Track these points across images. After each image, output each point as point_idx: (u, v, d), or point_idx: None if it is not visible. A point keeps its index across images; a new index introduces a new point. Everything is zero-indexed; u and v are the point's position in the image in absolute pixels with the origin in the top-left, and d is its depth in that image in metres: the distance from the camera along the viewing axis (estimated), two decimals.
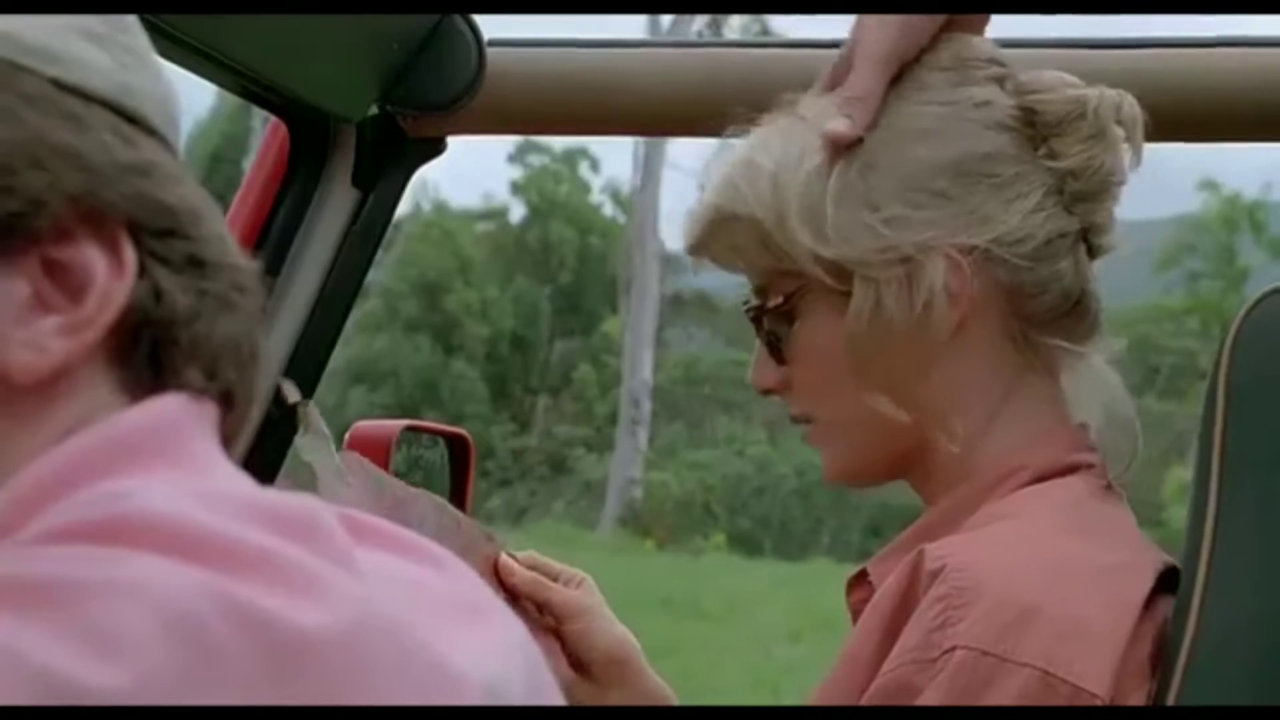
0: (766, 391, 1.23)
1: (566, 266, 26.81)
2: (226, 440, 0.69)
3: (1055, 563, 1.08)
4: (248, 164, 1.55)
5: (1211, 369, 1.10)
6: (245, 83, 1.36)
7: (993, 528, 1.11)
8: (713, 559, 16.17)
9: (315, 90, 1.40)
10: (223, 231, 0.69)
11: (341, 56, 1.38)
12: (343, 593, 0.58)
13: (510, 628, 0.68)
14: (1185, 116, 1.30)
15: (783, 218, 1.14)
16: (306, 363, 1.52)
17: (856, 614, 1.20)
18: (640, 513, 18.91)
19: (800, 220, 1.13)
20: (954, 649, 1.02)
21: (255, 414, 0.71)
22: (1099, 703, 1.01)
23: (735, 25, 21.15)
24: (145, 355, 0.66)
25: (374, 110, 1.47)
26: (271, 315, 1.49)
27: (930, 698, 1.01)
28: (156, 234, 0.66)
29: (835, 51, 1.21)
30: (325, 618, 0.56)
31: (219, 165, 20.66)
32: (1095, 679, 1.02)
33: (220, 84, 1.35)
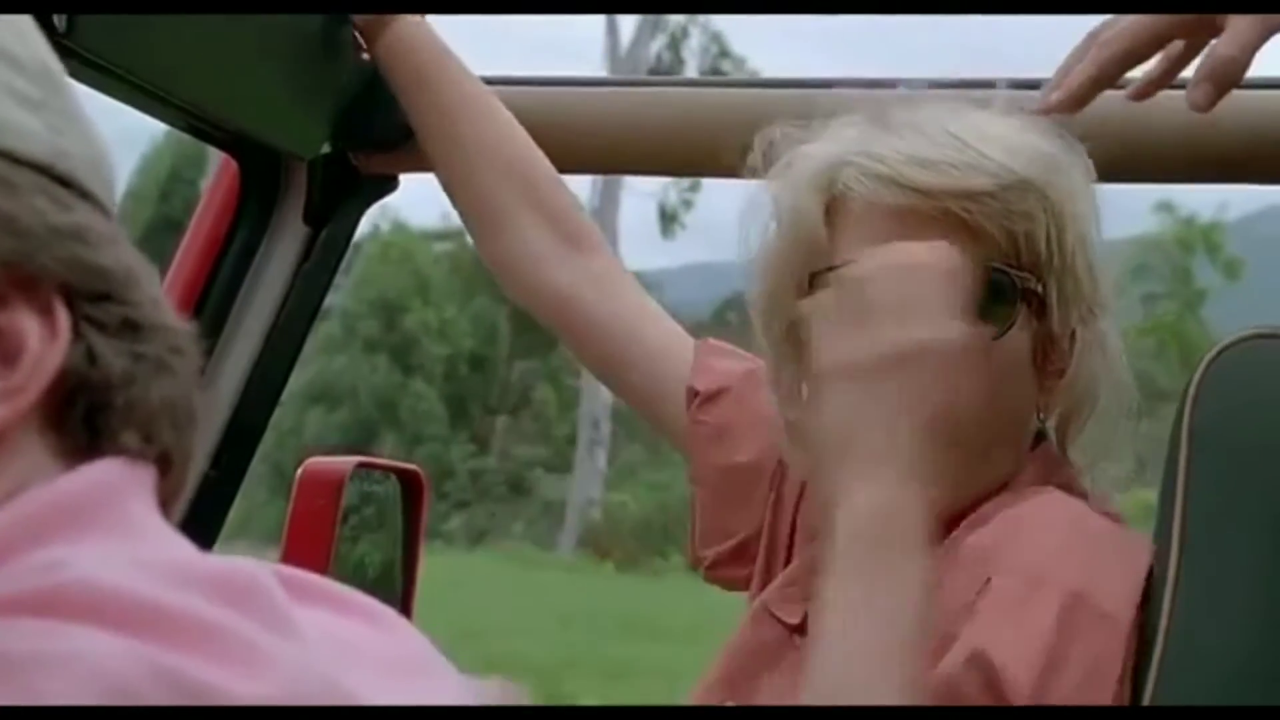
0: None
1: None
2: (165, 502, 0.68)
3: (1075, 518, 1.10)
4: (204, 184, 1.53)
5: (1175, 416, 1.10)
6: (194, 120, 1.35)
7: (1005, 515, 1.11)
8: (673, 580, 16.13)
9: (266, 128, 1.39)
10: (157, 294, 0.68)
11: (292, 95, 1.37)
12: (280, 660, 0.57)
13: (456, 686, 0.68)
14: (1130, 159, 1.31)
15: None
16: (259, 399, 1.51)
17: None
18: (600, 534, 18.91)
19: None
20: (989, 580, 1.03)
21: (193, 474, 0.70)
22: (1123, 630, 1.03)
23: (695, 47, 21.25)
24: (81, 419, 0.65)
25: (326, 148, 1.46)
26: (223, 352, 1.48)
27: (971, 628, 1.01)
28: (91, 298, 0.65)
29: (802, 91, 1.20)
30: (263, 688, 0.56)
31: (176, 185, 20.57)
32: (1123, 608, 1.05)
33: (168, 122, 1.34)
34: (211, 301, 1.46)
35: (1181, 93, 1.12)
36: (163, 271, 1.48)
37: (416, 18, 1.39)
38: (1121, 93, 1.21)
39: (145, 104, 1.27)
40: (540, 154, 1.40)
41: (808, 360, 1.13)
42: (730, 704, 1.20)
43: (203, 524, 1.43)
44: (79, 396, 0.65)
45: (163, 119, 1.32)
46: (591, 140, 1.45)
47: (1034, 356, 1.14)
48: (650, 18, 20.07)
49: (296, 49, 1.34)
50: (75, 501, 0.63)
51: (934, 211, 1.10)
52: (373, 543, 1.61)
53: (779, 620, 1.23)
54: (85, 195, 0.67)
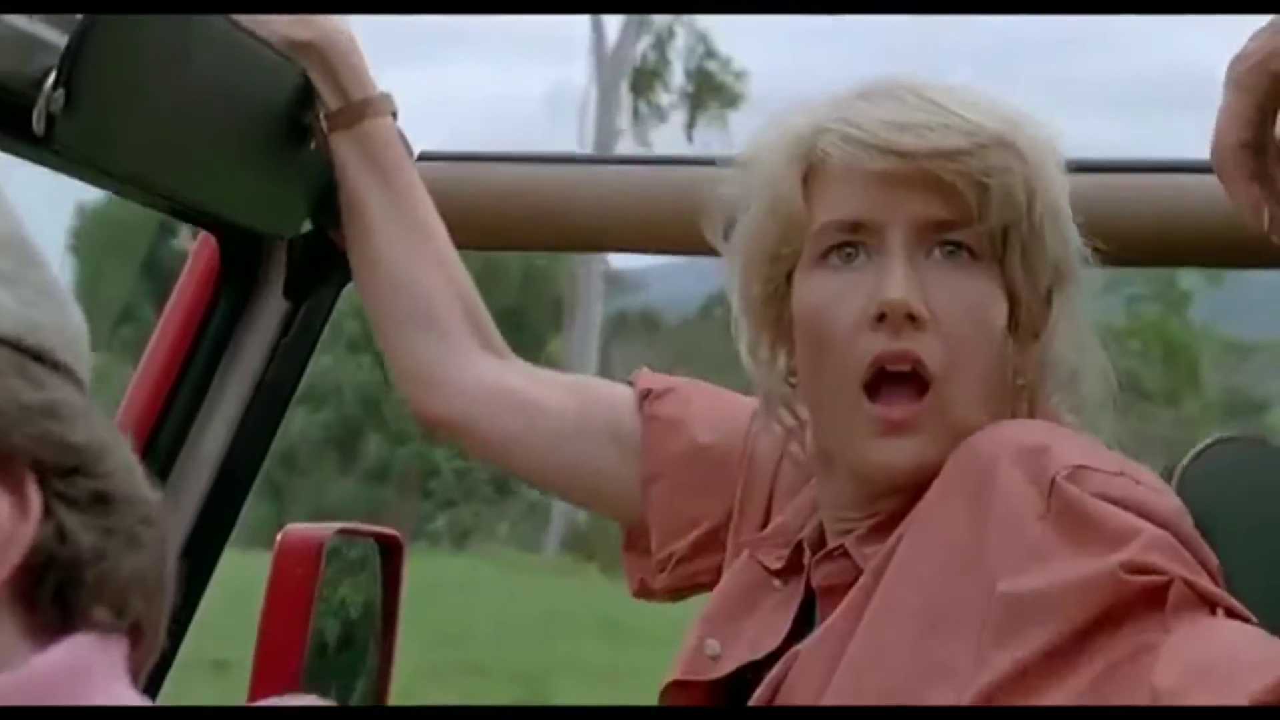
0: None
1: (510, 286, 26.74)
2: (136, 671, 0.69)
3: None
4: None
5: None
6: (175, 205, 1.36)
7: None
8: None
9: (246, 212, 1.40)
10: (130, 461, 0.69)
11: (271, 178, 1.38)
12: None
13: None
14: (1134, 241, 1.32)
15: None
16: (238, 474, 1.51)
17: (827, 591, 1.18)
18: (584, 536, 18.87)
19: None
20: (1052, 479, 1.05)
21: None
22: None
23: (681, 47, 21.19)
24: (51, 596, 0.66)
25: (306, 226, 1.47)
26: (202, 425, 1.49)
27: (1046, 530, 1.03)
28: (62, 474, 0.66)
29: None
30: None
31: None
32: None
33: (149, 206, 1.35)
34: (192, 375, 1.46)
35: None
36: (142, 344, 1.49)
37: (387, 117, 1.40)
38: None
39: (126, 191, 1.28)
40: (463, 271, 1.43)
41: (785, 327, 1.18)
42: (713, 641, 1.22)
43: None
44: (49, 573, 0.65)
45: (143, 204, 1.33)
46: (565, 215, 1.46)
47: (1009, 317, 1.16)
48: (636, 17, 20.06)
49: (272, 134, 1.35)
50: (46, 683, 0.64)
51: (912, 173, 1.13)
52: (351, 610, 1.61)
53: (761, 564, 1.24)
54: (58, 368, 0.68)
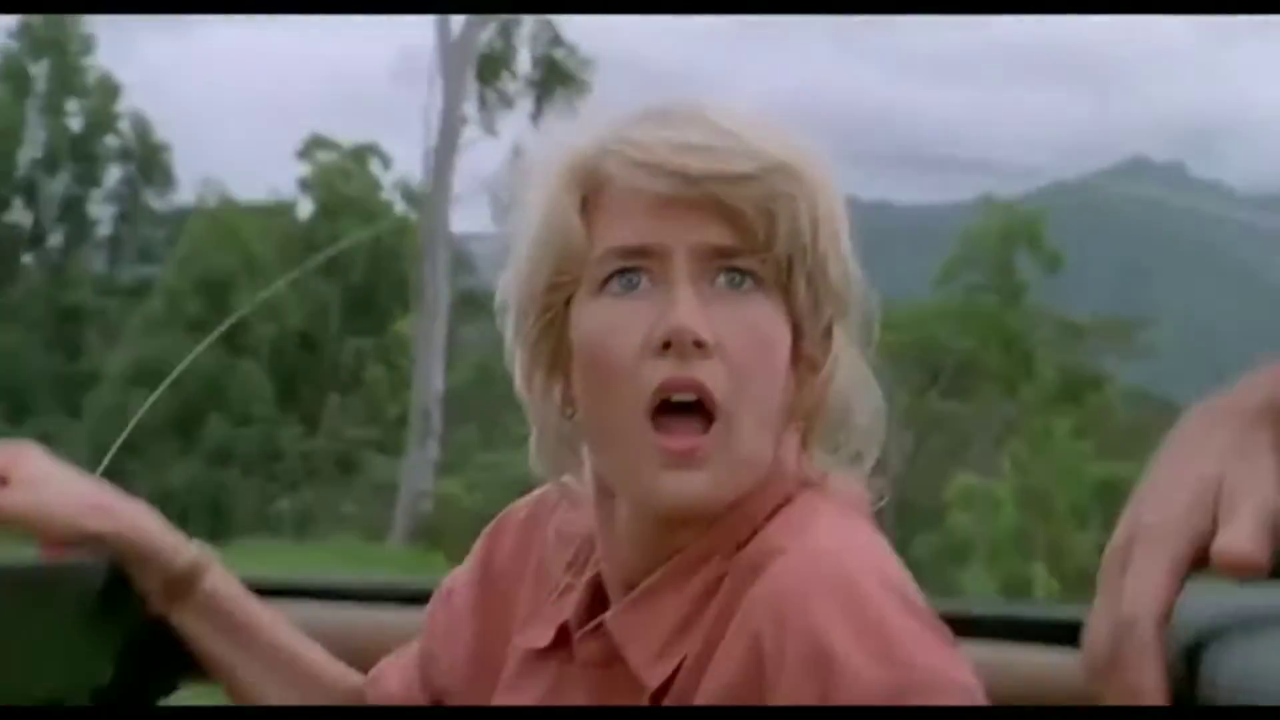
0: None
1: (357, 264, 26.50)
2: None
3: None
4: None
5: None
6: None
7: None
8: None
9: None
10: None
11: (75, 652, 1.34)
12: None
13: None
14: None
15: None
16: None
17: (590, 667, 1.16)
18: (431, 526, 18.81)
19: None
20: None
21: None
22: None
23: (525, 34, 21.05)
24: None
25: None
26: None
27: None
28: None
29: None
30: None
31: None
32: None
33: None
34: None
35: None
36: None
37: (215, 569, 1.36)
38: None
39: None
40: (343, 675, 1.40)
41: (562, 357, 1.14)
42: None
43: None
44: None
45: None
46: None
47: (791, 349, 1.14)
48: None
49: (80, 606, 1.31)
50: None
51: (697, 197, 1.10)
52: None
53: (532, 650, 1.22)
54: None
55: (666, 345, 1.09)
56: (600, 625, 1.15)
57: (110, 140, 30.75)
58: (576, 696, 1.18)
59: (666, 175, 1.10)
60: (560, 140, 1.15)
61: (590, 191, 1.13)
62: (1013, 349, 22.17)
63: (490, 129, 20.98)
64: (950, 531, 23.18)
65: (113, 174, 31.40)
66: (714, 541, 1.12)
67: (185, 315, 25.24)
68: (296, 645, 1.38)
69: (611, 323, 1.11)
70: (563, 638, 1.20)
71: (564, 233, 1.13)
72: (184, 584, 1.34)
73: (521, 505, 1.31)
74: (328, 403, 25.49)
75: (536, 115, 20.88)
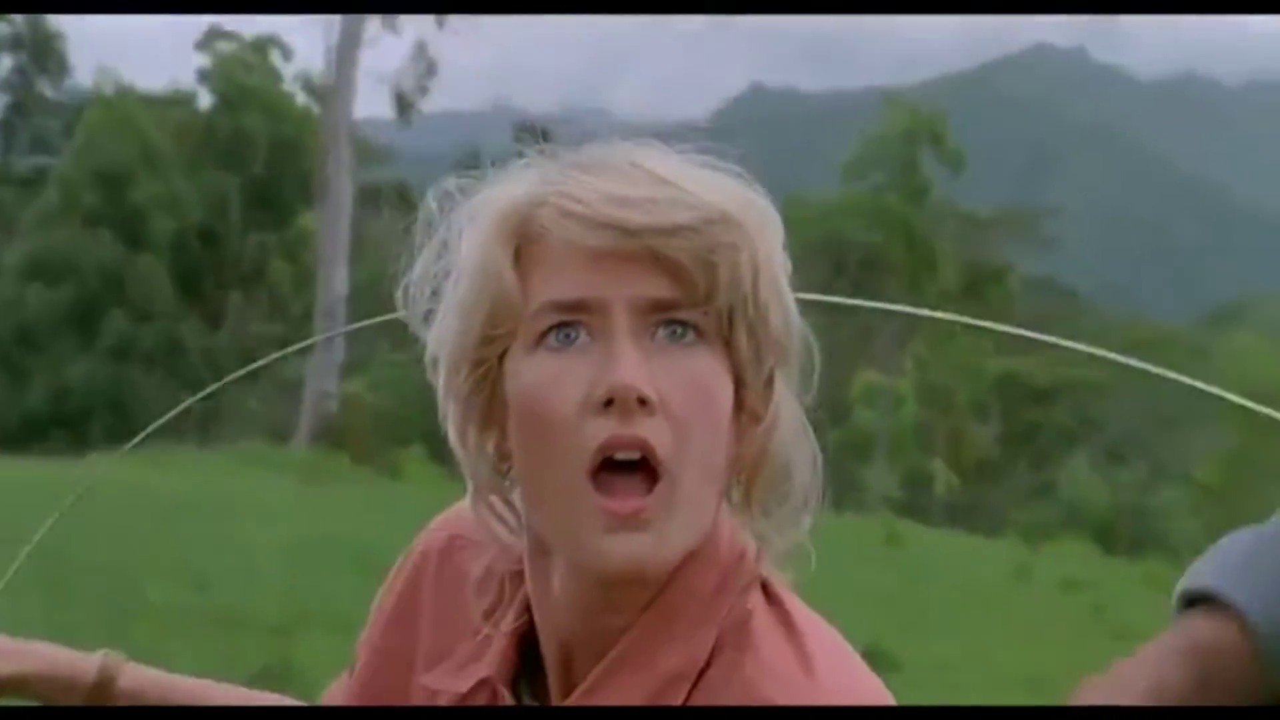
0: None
1: (258, 158, 26.06)
2: None
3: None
4: None
5: None
6: None
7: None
8: (412, 476, 16.10)
9: None
10: None
11: None
12: None
13: None
14: None
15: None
16: None
17: None
18: (336, 427, 18.75)
19: None
20: None
21: None
22: None
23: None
24: None
25: None
26: None
27: None
28: None
29: None
30: None
31: None
32: None
33: None
34: None
35: None
36: None
37: (125, 665, 1.36)
38: None
39: None
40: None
41: (497, 410, 1.11)
42: None
43: None
44: None
45: None
46: None
47: (735, 403, 1.11)
48: None
49: None
50: None
51: (636, 250, 1.07)
52: None
53: (441, 693, 1.19)
54: None
55: (608, 403, 1.06)
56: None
57: (1, 27, 29.94)
58: None
59: (603, 228, 1.07)
60: (489, 195, 1.12)
61: (524, 243, 1.10)
62: (916, 245, 22.31)
63: (392, 25, 20.66)
64: (853, 427, 23.47)
65: (4, 62, 30.62)
66: (659, 627, 1.10)
67: (82, 207, 24.78)
68: (232, 703, 1.38)
69: (550, 379, 1.08)
70: (480, 689, 1.17)
71: (497, 286, 1.10)
72: (102, 691, 1.34)
73: (437, 533, 1.26)
74: (230, 299, 25.20)
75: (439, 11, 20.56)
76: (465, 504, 1.24)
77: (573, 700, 1.11)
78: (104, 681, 1.34)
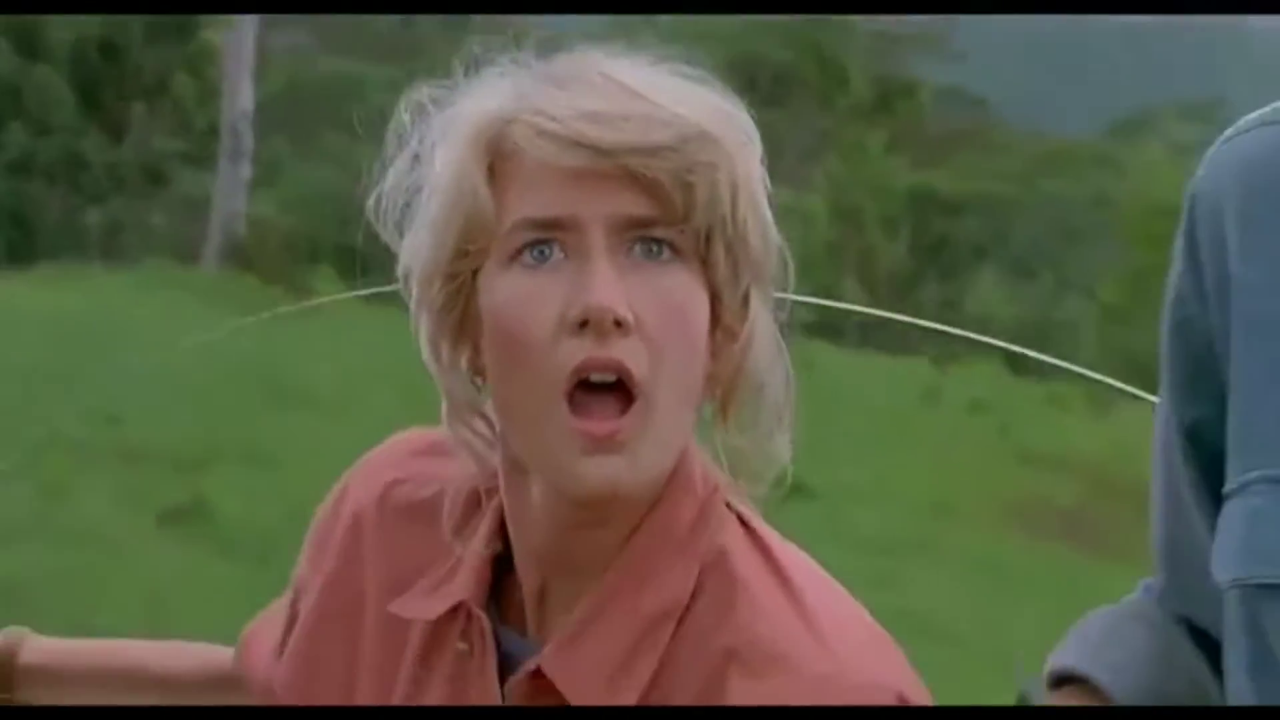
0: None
1: None
2: None
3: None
4: None
5: None
6: None
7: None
8: (322, 298, 15.95)
9: None
10: None
11: None
12: None
13: None
14: None
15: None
16: None
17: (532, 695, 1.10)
18: (244, 246, 18.51)
19: None
20: None
21: None
22: None
23: None
24: None
25: None
26: None
27: None
28: None
29: None
30: None
31: None
32: None
33: None
34: None
35: None
36: None
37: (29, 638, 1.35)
38: None
39: None
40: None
41: (470, 325, 1.11)
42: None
43: None
44: None
45: None
46: None
47: (710, 320, 1.11)
48: None
49: None
50: None
51: (611, 170, 1.06)
52: None
53: (422, 624, 1.17)
54: None
55: (584, 324, 1.05)
56: (538, 672, 1.10)
57: None
58: (481, 695, 1.13)
59: (578, 148, 1.05)
60: (462, 110, 1.10)
61: (498, 159, 1.09)
62: (826, 63, 22.19)
63: None
64: None
65: None
66: (637, 567, 1.10)
67: None
68: (147, 660, 1.37)
69: (524, 297, 1.07)
70: (455, 614, 1.15)
71: (471, 202, 1.08)
72: (3, 671, 1.33)
73: (368, 488, 1.24)
74: (133, 112, 24.61)
75: None
76: (388, 444, 1.26)
77: (557, 648, 1.10)
78: (5, 655, 1.34)
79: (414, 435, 1.26)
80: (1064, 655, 1.09)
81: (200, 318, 13.53)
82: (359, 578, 1.22)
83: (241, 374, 9.97)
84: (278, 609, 1.32)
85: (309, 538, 1.28)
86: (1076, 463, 11.60)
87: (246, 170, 18.88)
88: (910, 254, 26.16)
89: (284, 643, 1.27)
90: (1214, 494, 1.05)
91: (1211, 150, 1.09)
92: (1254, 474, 1.00)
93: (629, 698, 1.08)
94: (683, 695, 1.07)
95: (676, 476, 1.10)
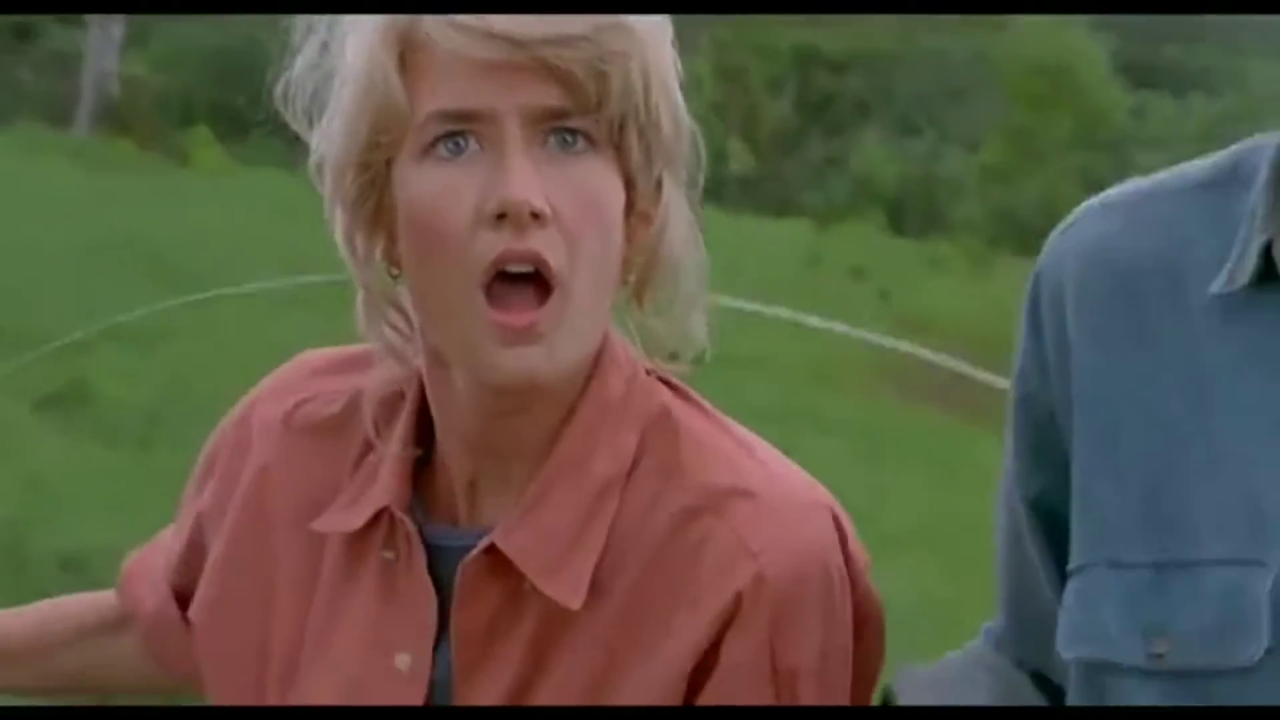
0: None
1: None
2: None
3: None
4: None
5: None
6: None
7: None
8: (200, 162, 15.63)
9: None
10: None
11: None
12: None
13: None
14: None
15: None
16: None
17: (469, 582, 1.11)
18: (117, 109, 18.04)
19: None
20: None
21: None
22: None
23: None
24: None
25: None
26: None
27: None
28: None
29: None
30: None
31: None
32: None
33: None
34: None
35: None
36: None
37: None
38: None
39: None
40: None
41: (384, 217, 1.11)
42: (404, 656, 1.14)
43: None
44: None
45: None
46: None
47: (625, 206, 1.11)
48: None
49: None
50: None
51: (525, 61, 1.06)
52: None
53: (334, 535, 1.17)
54: None
55: (501, 216, 1.06)
56: (491, 547, 1.10)
57: None
58: (414, 596, 1.13)
59: (491, 39, 1.06)
60: None
61: (409, 50, 1.08)
62: None
63: None
64: None
65: None
66: (582, 438, 1.11)
67: None
68: (15, 626, 1.35)
69: (440, 190, 1.07)
70: (377, 522, 1.14)
71: (383, 92, 1.08)
72: None
73: (270, 409, 1.22)
74: None
75: None
76: (288, 366, 1.25)
77: (509, 525, 1.10)
78: None
79: (313, 355, 1.26)
80: (917, 696, 1.13)
81: (75, 183, 13.23)
82: (269, 504, 1.21)
83: (119, 245, 9.76)
84: (164, 540, 1.31)
85: (206, 464, 1.26)
86: (952, 326, 11.77)
87: (118, 30, 18.35)
88: (795, 112, 26.15)
89: (181, 572, 1.26)
90: (1058, 560, 1.09)
91: (1055, 232, 1.12)
92: (1093, 556, 1.05)
93: (585, 565, 1.10)
94: (641, 555, 1.10)
95: (603, 354, 1.12)
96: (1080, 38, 21.72)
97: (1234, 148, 1.07)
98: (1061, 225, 1.12)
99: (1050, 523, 1.10)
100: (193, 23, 18.90)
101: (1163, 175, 1.10)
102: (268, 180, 12.71)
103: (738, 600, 1.08)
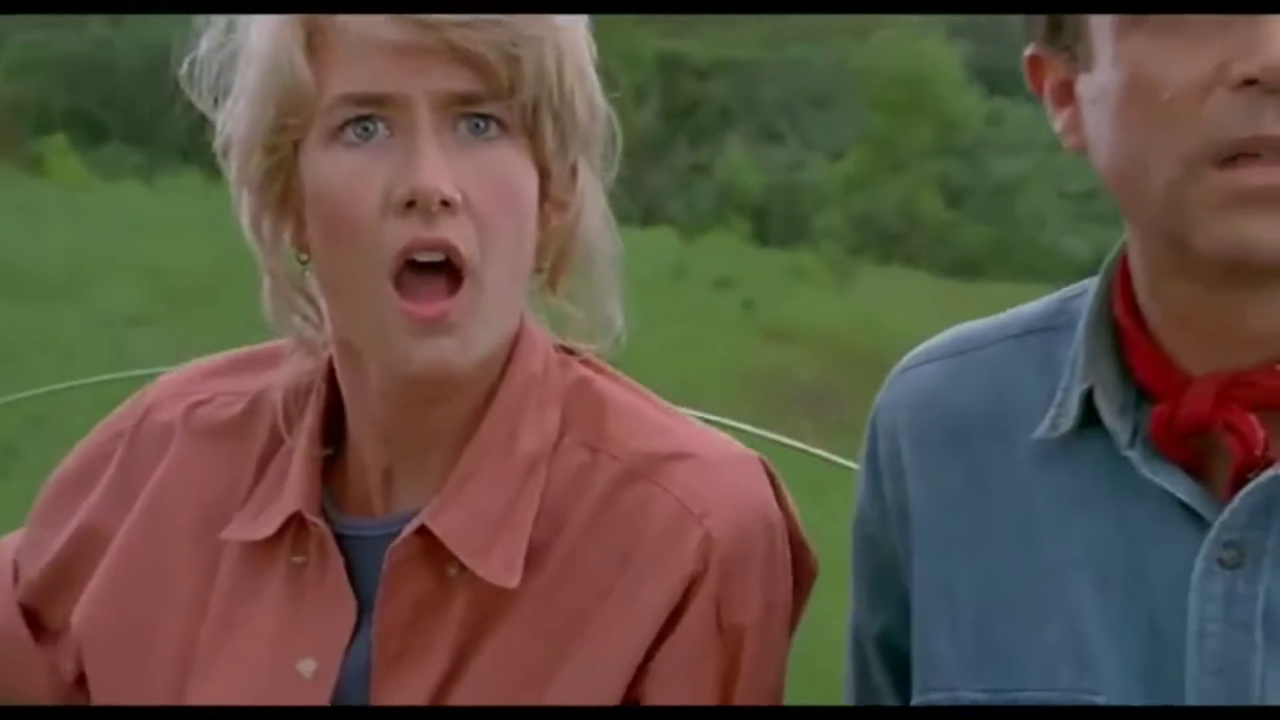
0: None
1: None
2: None
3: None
4: None
5: None
6: None
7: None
8: (56, 171, 15.29)
9: None
10: None
11: None
12: None
13: None
14: None
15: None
16: None
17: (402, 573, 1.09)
18: None
19: None
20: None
21: None
22: None
23: None
24: None
25: None
26: None
27: None
28: None
29: None
30: None
31: None
32: None
33: None
34: None
35: None
36: None
37: None
38: None
39: None
40: None
41: (292, 202, 1.09)
42: (309, 661, 1.12)
43: None
44: None
45: None
46: None
47: (539, 193, 1.11)
48: None
49: None
50: None
51: (435, 44, 1.05)
52: None
53: (251, 544, 1.14)
54: None
55: (410, 204, 1.04)
56: (422, 529, 1.09)
57: None
58: (325, 600, 1.11)
59: (399, 20, 1.04)
60: None
61: (315, 30, 1.07)
62: None
63: None
64: None
65: None
66: (507, 415, 1.10)
67: None
68: None
69: (348, 175, 1.06)
70: (287, 528, 1.12)
71: (289, 73, 1.06)
72: None
73: (164, 411, 1.20)
74: None
75: None
76: (183, 370, 1.24)
77: (437, 506, 1.09)
78: None
79: (208, 360, 1.24)
80: None
81: None
82: (166, 510, 1.19)
83: None
84: (9, 541, 1.27)
85: (80, 474, 1.23)
86: (816, 336, 11.88)
87: None
88: (659, 119, 26.27)
89: (41, 589, 1.22)
90: (900, 689, 1.13)
91: (890, 376, 1.15)
92: (933, 695, 1.08)
93: (517, 543, 1.09)
94: (575, 526, 1.09)
95: (520, 337, 1.12)
96: (936, 45, 21.99)
97: (1063, 291, 1.10)
98: (897, 368, 1.15)
99: (894, 657, 1.14)
100: (45, 28, 18.49)
101: (995, 319, 1.13)
102: (126, 193, 12.46)
103: (693, 565, 1.08)
